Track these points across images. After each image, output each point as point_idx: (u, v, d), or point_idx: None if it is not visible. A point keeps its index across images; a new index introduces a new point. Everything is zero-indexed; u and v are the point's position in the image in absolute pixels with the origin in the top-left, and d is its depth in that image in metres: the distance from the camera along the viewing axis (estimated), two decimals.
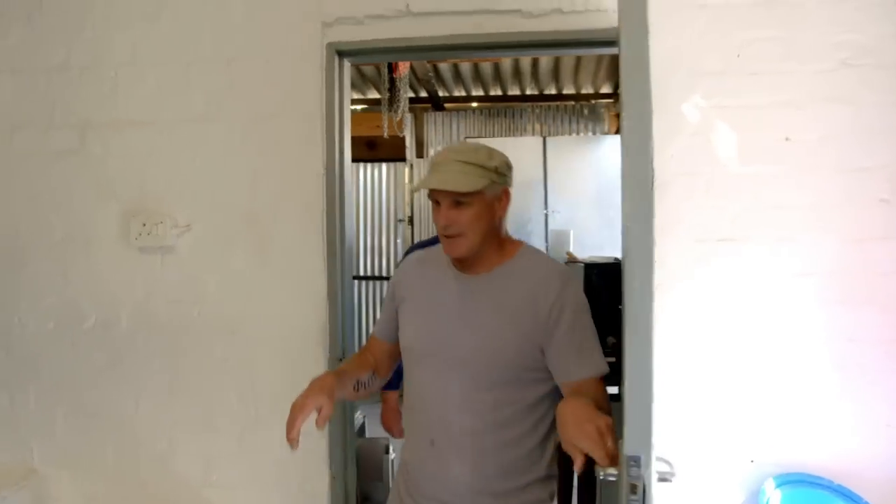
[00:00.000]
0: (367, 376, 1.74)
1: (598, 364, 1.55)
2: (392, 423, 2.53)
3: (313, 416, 1.50)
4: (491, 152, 1.60)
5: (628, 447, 1.29)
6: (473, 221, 1.56)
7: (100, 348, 2.34)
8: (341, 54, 2.28)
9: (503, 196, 1.62)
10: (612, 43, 2.12)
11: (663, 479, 1.43)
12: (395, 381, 2.30)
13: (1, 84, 2.38)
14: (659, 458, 1.36)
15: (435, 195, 1.59)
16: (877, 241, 1.99)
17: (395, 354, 1.79)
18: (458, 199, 1.56)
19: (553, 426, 1.59)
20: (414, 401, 1.70)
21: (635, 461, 1.29)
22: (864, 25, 1.99)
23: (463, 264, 1.65)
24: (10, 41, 2.37)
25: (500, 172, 1.59)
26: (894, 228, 1.98)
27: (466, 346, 1.58)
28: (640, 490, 1.30)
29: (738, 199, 2.03)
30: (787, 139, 2.01)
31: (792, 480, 1.94)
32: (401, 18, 2.20)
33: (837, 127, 2.00)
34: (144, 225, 2.27)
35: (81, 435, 2.36)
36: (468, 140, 6.24)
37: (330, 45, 2.23)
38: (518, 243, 1.69)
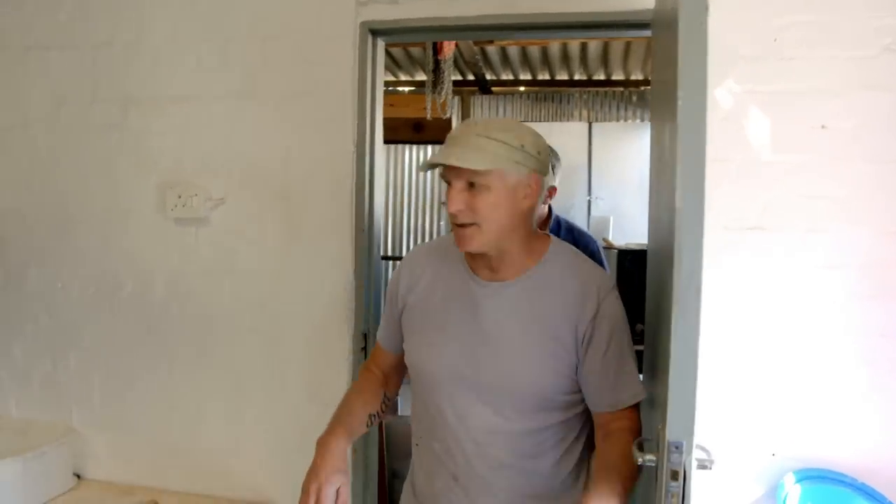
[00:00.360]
0: (378, 404, 1.57)
1: (635, 391, 1.38)
2: None
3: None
4: (521, 130, 1.36)
5: (671, 433, 1.29)
6: (490, 209, 1.32)
7: (136, 316, 2.43)
8: (375, 33, 2.29)
9: (532, 183, 1.36)
10: (645, 25, 2.10)
11: (702, 466, 1.42)
12: None
13: (50, 60, 2.47)
14: (697, 446, 1.35)
15: (447, 174, 1.35)
16: None
17: (404, 367, 1.59)
18: (473, 180, 1.32)
19: (588, 444, 1.46)
20: (429, 430, 1.49)
21: (677, 447, 1.29)
22: None
23: (482, 266, 1.43)
24: (60, 18, 2.46)
25: (529, 153, 1.34)
26: None
27: (493, 371, 1.38)
28: (680, 476, 1.30)
29: (769, 187, 1.98)
30: (822, 127, 1.95)
31: (813, 476, 1.90)
32: None
33: (875, 115, 1.92)
34: (180, 197, 2.33)
35: (117, 398, 2.46)
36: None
37: (363, 23, 2.25)
38: (545, 240, 1.46)
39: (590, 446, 1.47)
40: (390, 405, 1.63)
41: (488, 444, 1.40)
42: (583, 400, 1.40)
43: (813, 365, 1.97)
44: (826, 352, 1.96)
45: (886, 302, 1.93)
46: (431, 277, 1.50)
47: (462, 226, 1.34)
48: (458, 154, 1.31)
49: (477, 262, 1.44)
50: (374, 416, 1.56)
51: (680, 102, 1.28)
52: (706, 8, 1.28)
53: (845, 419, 1.95)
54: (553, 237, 1.48)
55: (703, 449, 1.40)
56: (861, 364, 1.94)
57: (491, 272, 1.42)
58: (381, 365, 1.63)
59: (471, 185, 1.32)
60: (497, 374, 1.37)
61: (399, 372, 1.64)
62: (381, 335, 1.63)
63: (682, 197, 1.28)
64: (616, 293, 1.42)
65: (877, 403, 1.93)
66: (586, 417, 1.44)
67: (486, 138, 1.32)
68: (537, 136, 1.39)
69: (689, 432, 1.30)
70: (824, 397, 1.96)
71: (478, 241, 1.34)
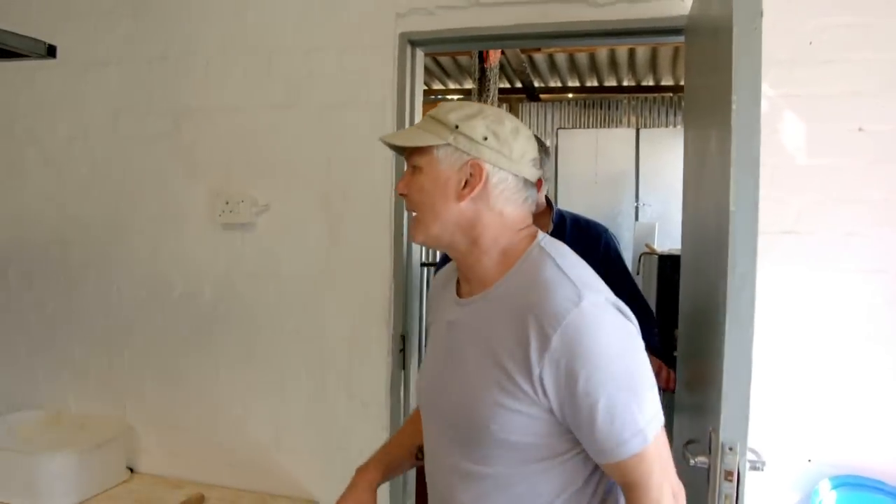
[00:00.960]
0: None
1: (626, 437, 1.07)
2: None
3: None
4: (471, 111, 1.19)
5: (724, 435, 1.32)
6: (418, 193, 1.20)
7: (185, 317, 2.54)
8: (413, 44, 2.36)
9: (473, 172, 1.17)
10: (679, 31, 2.12)
11: (754, 467, 1.44)
12: None
13: (108, 73, 2.61)
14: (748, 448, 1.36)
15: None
16: None
17: None
18: (412, 162, 1.22)
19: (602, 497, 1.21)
20: (426, 457, 1.38)
21: (731, 448, 1.32)
22: None
23: (461, 277, 1.29)
24: (118, 34, 2.60)
25: (467, 136, 1.16)
26: None
27: (448, 401, 1.22)
28: (734, 477, 1.33)
29: (804, 190, 1.97)
30: (859, 129, 1.94)
31: (849, 483, 1.87)
32: (470, 9, 2.25)
33: None
34: (227, 203, 2.44)
35: (168, 395, 2.58)
36: (560, 130, 6.20)
37: (402, 34, 2.32)
38: (525, 245, 1.21)
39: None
40: None
41: (456, 488, 1.23)
42: (572, 450, 1.16)
43: (849, 371, 1.94)
44: (862, 357, 1.94)
45: None
46: (438, 300, 1.39)
47: (412, 213, 1.25)
48: (398, 135, 1.26)
49: (459, 274, 1.30)
50: (422, 448, 1.43)
51: (734, 107, 1.31)
52: (760, 14, 1.31)
53: (882, 426, 1.92)
54: (540, 240, 1.22)
55: (753, 451, 1.41)
56: None
57: (465, 284, 1.27)
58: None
59: (414, 169, 1.22)
60: (451, 406, 1.21)
61: None
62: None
63: (735, 202, 1.31)
64: (589, 320, 1.08)
65: None
66: (596, 477, 1.19)
67: (431, 119, 1.21)
68: (497, 122, 1.19)
69: (744, 434, 1.34)
70: (861, 403, 1.94)
71: (418, 232, 1.23)
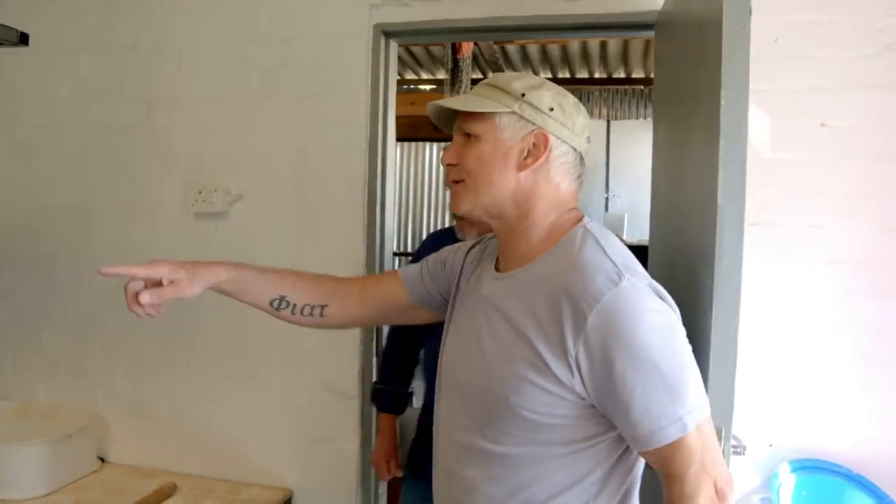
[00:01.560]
0: (293, 295, 1.41)
1: (666, 423, 1.03)
2: (381, 461, 2.20)
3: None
4: (535, 82, 1.17)
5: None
6: (476, 161, 1.16)
7: None
8: (387, 35, 2.36)
9: (539, 143, 1.15)
10: (649, 26, 2.16)
11: (737, 452, 1.48)
12: (392, 402, 2.21)
13: (79, 62, 2.58)
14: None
15: (453, 130, 1.22)
16: None
17: (394, 307, 1.42)
18: (467, 130, 1.17)
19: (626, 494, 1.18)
20: (434, 436, 1.33)
21: (717, 434, 1.35)
22: None
23: (501, 253, 1.26)
24: (89, 21, 2.57)
25: (534, 105, 1.14)
26: None
27: (470, 373, 1.20)
28: None
29: (768, 184, 2.02)
30: (822, 125, 1.99)
31: (808, 466, 1.94)
32: (444, 0, 2.27)
33: (874, 114, 1.96)
34: (200, 192, 2.43)
35: (139, 386, 2.57)
36: None
37: (377, 25, 2.32)
38: (571, 224, 1.19)
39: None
40: (317, 316, 1.43)
41: (464, 462, 1.20)
42: (592, 439, 1.13)
43: (810, 359, 2.01)
44: (823, 346, 2.00)
45: (883, 298, 1.96)
46: (471, 271, 1.34)
47: (454, 183, 1.21)
48: (456, 101, 1.19)
49: (499, 249, 1.27)
50: (286, 301, 1.41)
51: (723, 104, 1.35)
52: (749, 12, 1.34)
53: (841, 412, 1.99)
54: (583, 221, 1.19)
55: (734, 437, 1.46)
56: (857, 358, 1.98)
57: (504, 260, 1.24)
58: (368, 286, 1.47)
59: (466, 137, 1.18)
60: (469, 378, 1.20)
61: (379, 302, 1.44)
62: (405, 269, 1.46)
63: (723, 196, 1.35)
64: (628, 301, 1.05)
65: (872, 397, 1.97)
66: (616, 476, 1.16)
67: (491, 86, 1.18)
68: (561, 94, 1.18)
69: (729, 419, 1.38)
70: (821, 390, 2.00)
71: (464, 200, 1.19)
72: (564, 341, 1.06)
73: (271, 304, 1.41)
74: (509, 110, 1.14)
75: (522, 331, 1.11)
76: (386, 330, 2.39)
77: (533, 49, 5.93)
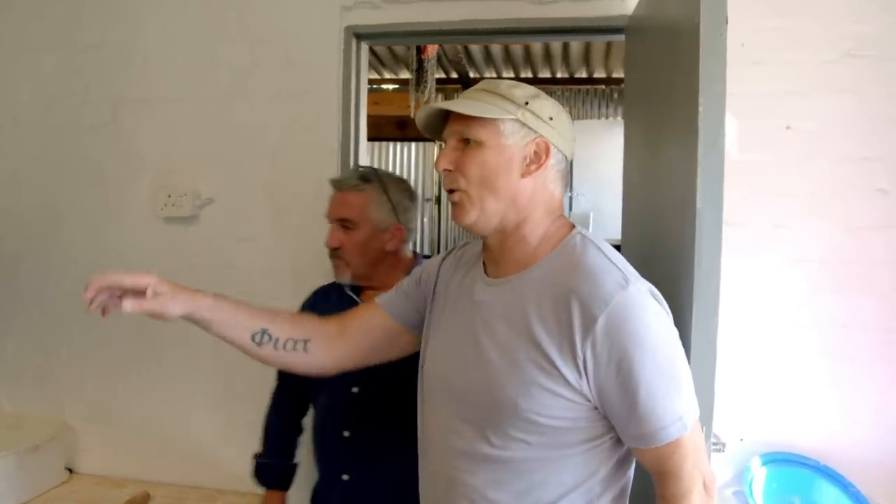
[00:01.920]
0: (274, 329, 1.35)
1: (666, 423, 1.08)
2: None
3: None
4: (534, 92, 1.19)
5: None
6: (479, 168, 1.16)
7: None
8: (359, 37, 2.36)
9: (540, 150, 1.17)
10: (619, 30, 2.19)
11: (716, 449, 1.51)
12: (278, 477, 2.02)
13: (41, 61, 2.52)
14: None
15: (444, 134, 1.22)
16: (873, 230, 2.02)
17: (378, 336, 1.39)
18: (466, 135, 1.17)
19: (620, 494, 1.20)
20: (423, 448, 1.33)
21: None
22: (869, 16, 2.01)
23: (489, 260, 1.26)
24: (52, 20, 2.51)
25: (536, 114, 1.17)
26: (891, 218, 2.01)
27: (470, 380, 1.20)
28: None
29: (735, 184, 2.05)
30: (787, 128, 2.05)
31: (778, 459, 2.00)
32: (415, 3, 2.27)
33: (839, 117, 2.03)
34: (170, 196, 2.39)
35: (108, 392, 2.52)
36: None
37: (348, 28, 2.32)
38: (566, 229, 1.22)
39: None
40: (301, 355, 1.37)
41: (465, 471, 1.20)
42: (596, 439, 1.15)
43: (779, 355, 2.07)
44: (791, 343, 2.06)
45: (847, 295, 2.03)
46: (454, 278, 1.34)
47: (451, 192, 1.20)
48: (460, 104, 1.18)
49: (487, 255, 1.27)
50: (262, 333, 1.36)
51: (701, 109, 1.37)
52: (726, 21, 1.37)
53: (809, 406, 2.05)
54: (577, 230, 1.22)
55: (714, 434, 1.49)
56: (823, 354, 2.04)
57: (495, 266, 1.25)
58: (347, 321, 1.41)
59: (465, 143, 1.18)
60: (468, 384, 1.19)
61: (364, 333, 1.40)
62: (383, 299, 1.44)
63: (701, 199, 1.38)
64: (635, 304, 1.09)
65: (839, 392, 2.04)
66: (618, 472, 1.20)
67: (488, 92, 1.19)
68: (557, 107, 1.21)
69: (709, 417, 1.41)
70: (789, 386, 2.06)
71: (469, 212, 1.18)
72: (573, 343, 1.08)
73: (253, 338, 1.36)
74: (513, 117, 1.16)
75: (528, 335, 1.13)
76: None
77: (496, 49, 5.96)
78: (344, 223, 1.81)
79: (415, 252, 1.99)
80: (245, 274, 2.39)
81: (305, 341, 1.38)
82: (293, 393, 2.03)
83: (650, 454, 1.12)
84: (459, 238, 5.55)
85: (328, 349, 1.39)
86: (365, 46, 2.43)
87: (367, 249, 1.81)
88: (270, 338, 1.37)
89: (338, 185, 1.87)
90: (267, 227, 2.39)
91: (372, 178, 1.84)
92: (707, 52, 1.37)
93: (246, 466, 2.41)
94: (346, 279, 1.84)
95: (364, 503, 1.78)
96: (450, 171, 1.20)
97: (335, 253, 1.83)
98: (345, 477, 1.79)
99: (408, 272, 1.53)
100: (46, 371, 2.56)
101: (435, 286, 1.38)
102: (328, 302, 1.84)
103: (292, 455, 2.08)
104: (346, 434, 1.79)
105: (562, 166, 1.22)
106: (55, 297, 2.54)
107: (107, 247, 2.50)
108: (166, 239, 2.44)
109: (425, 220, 6.39)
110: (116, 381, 2.51)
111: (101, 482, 2.44)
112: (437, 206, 6.37)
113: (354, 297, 1.86)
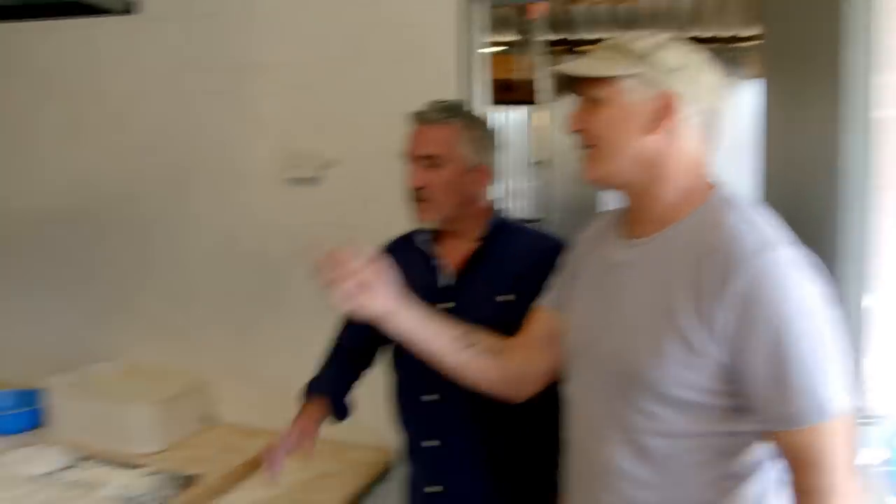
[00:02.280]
0: (468, 336, 1.38)
1: (818, 401, 1.00)
2: (275, 458, 1.88)
3: None
4: (659, 40, 1.12)
5: None
6: (604, 126, 1.13)
7: (254, 272, 2.60)
8: None
9: (666, 104, 1.10)
10: None
11: (867, 423, 1.47)
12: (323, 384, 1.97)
13: (166, 30, 2.62)
14: None
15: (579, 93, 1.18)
16: None
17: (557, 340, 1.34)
18: (591, 94, 1.14)
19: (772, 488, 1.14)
20: (567, 419, 1.31)
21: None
22: None
23: (626, 222, 1.23)
24: None
25: (655, 65, 1.10)
26: None
27: (607, 343, 1.17)
28: None
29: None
30: None
31: None
32: None
33: None
34: (292, 158, 2.47)
35: (241, 348, 2.65)
36: None
37: None
38: (708, 191, 1.16)
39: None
40: (498, 370, 1.39)
41: (603, 439, 1.18)
42: (739, 410, 1.09)
43: None
44: None
45: None
46: (595, 247, 1.32)
47: (584, 148, 1.17)
48: (574, 65, 1.15)
49: (626, 216, 1.24)
50: (462, 335, 1.38)
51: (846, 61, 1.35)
52: None
53: None
54: (718, 188, 1.17)
55: (864, 407, 1.44)
56: None
57: (631, 227, 1.21)
58: (528, 334, 1.41)
59: (592, 102, 1.15)
60: (610, 349, 1.17)
61: (545, 338, 1.38)
62: (545, 299, 1.42)
63: (847, 159, 1.38)
64: (783, 267, 1.03)
65: None
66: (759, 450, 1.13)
67: (612, 48, 1.14)
68: (688, 55, 1.13)
69: (858, 388, 1.36)
70: None
71: (596, 167, 1.15)
72: (712, 307, 1.04)
73: (455, 339, 1.37)
74: (633, 73, 1.11)
75: (666, 298, 1.09)
76: None
77: (601, 10, 5.80)
78: (429, 160, 1.70)
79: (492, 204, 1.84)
80: (365, 232, 2.42)
81: (498, 349, 1.41)
82: (350, 344, 2.02)
83: (790, 439, 1.04)
84: (575, 201, 5.43)
85: (520, 356, 1.41)
86: (481, 7, 2.40)
87: (456, 189, 1.68)
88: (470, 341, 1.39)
89: (421, 117, 1.74)
90: (388, 190, 2.41)
91: (458, 111, 1.76)
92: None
93: (375, 420, 2.47)
94: (432, 223, 1.75)
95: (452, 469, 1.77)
96: (578, 130, 1.18)
97: (419, 194, 1.71)
98: (433, 443, 1.77)
99: (487, 222, 1.61)
100: (183, 328, 2.71)
101: (577, 260, 1.37)
102: (406, 257, 1.74)
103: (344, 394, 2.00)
104: (432, 398, 1.76)
105: (700, 119, 1.14)
106: (186, 258, 2.68)
107: (233, 209, 2.60)
108: (290, 201, 2.52)
109: (533, 184, 6.30)
110: (248, 335, 2.63)
111: (234, 431, 2.58)
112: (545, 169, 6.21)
113: (429, 254, 1.78)
